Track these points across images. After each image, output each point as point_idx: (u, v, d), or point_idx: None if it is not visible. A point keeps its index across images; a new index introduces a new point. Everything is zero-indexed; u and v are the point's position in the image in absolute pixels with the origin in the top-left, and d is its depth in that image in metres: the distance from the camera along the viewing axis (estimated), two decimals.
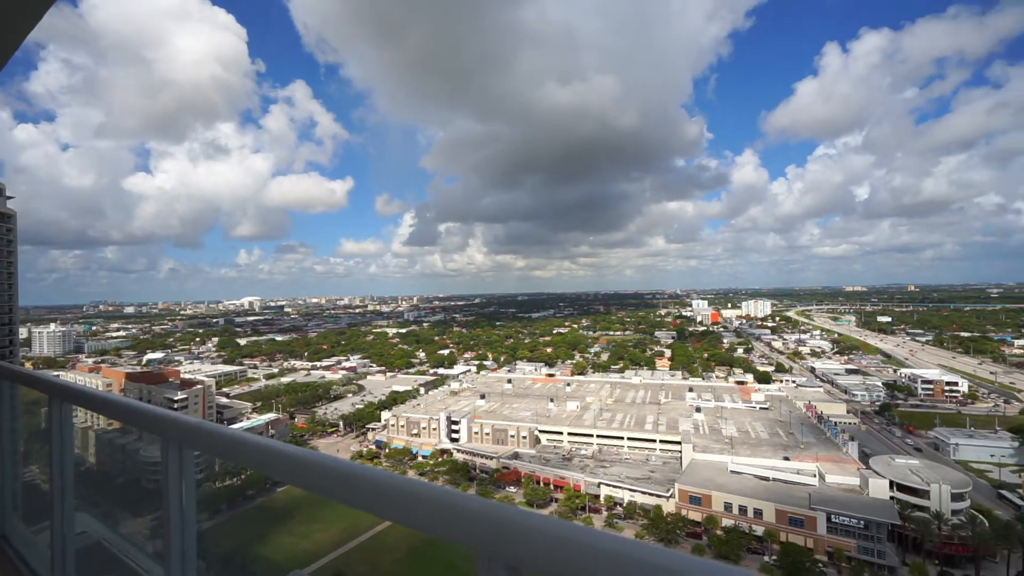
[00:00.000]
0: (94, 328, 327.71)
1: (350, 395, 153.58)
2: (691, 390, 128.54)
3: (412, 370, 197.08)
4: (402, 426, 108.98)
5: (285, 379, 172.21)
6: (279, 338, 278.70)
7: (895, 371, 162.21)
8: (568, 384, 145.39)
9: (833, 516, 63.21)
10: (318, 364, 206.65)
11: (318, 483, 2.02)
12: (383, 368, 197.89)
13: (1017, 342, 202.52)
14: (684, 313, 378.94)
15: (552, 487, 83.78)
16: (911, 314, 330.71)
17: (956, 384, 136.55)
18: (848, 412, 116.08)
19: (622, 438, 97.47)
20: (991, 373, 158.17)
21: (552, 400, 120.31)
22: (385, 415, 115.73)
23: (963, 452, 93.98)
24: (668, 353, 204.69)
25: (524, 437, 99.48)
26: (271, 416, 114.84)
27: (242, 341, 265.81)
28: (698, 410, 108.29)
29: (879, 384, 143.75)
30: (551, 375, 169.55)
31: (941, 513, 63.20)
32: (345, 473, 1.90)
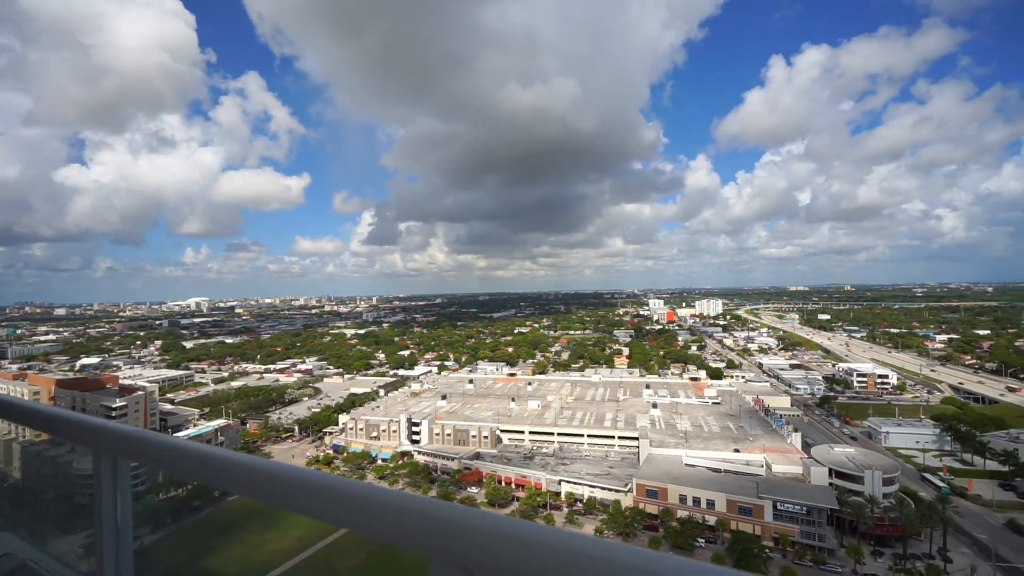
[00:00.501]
0: (19, 331, 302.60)
1: (306, 399, 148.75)
2: (648, 387, 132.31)
3: (371, 372, 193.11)
4: (361, 429, 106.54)
5: (236, 383, 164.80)
6: (229, 340, 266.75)
7: (834, 365, 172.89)
8: (529, 383, 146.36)
9: (779, 504, 66.68)
10: (272, 367, 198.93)
11: (268, 491, 1.93)
12: (341, 370, 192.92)
13: (939, 337, 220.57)
14: (642, 312, 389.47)
15: (513, 486, 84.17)
16: (848, 312, 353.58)
17: (887, 377, 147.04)
18: (792, 405, 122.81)
19: (582, 435, 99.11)
20: (916, 365, 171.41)
21: (514, 399, 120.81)
22: (343, 418, 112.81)
23: (893, 440, 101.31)
24: (626, 351, 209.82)
25: (486, 437, 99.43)
26: (220, 422, 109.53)
27: (188, 344, 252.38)
28: (654, 406, 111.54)
29: (820, 378, 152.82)
30: (513, 374, 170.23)
31: (874, 497, 67.90)
32: (296, 480, 1.82)
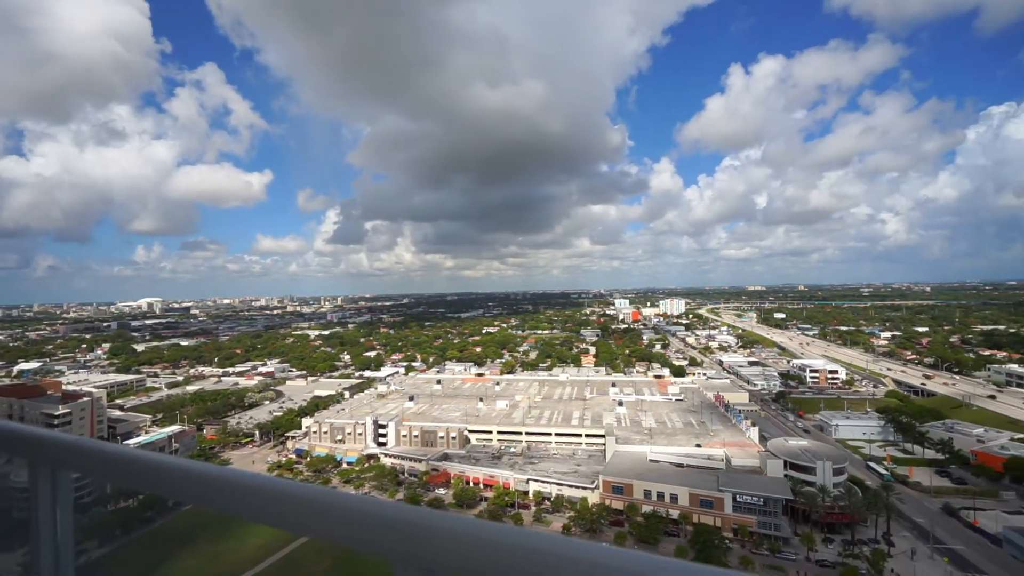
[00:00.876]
0: None
1: (267, 402, 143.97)
2: (614, 385, 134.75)
3: (336, 374, 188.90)
4: (325, 432, 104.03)
5: (191, 387, 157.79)
6: (184, 343, 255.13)
7: (788, 362, 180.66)
8: (497, 383, 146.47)
9: (738, 496, 69.25)
10: (231, 370, 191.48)
11: (224, 500, 1.85)
12: (304, 372, 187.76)
13: (883, 334, 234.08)
14: (608, 312, 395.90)
15: (482, 486, 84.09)
16: (801, 311, 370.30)
17: (837, 373, 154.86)
18: (750, 400, 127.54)
19: (550, 434, 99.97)
20: (862, 360, 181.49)
21: (482, 399, 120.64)
22: (306, 422, 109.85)
23: (842, 432, 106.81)
24: (593, 350, 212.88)
25: (454, 438, 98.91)
26: (174, 428, 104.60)
27: (139, 347, 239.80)
28: (620, 404, 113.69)
29: (776, 374, 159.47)
30: (481, 374, 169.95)
31: (825, 487, 71.43)
32: (254, 487, 1.76)
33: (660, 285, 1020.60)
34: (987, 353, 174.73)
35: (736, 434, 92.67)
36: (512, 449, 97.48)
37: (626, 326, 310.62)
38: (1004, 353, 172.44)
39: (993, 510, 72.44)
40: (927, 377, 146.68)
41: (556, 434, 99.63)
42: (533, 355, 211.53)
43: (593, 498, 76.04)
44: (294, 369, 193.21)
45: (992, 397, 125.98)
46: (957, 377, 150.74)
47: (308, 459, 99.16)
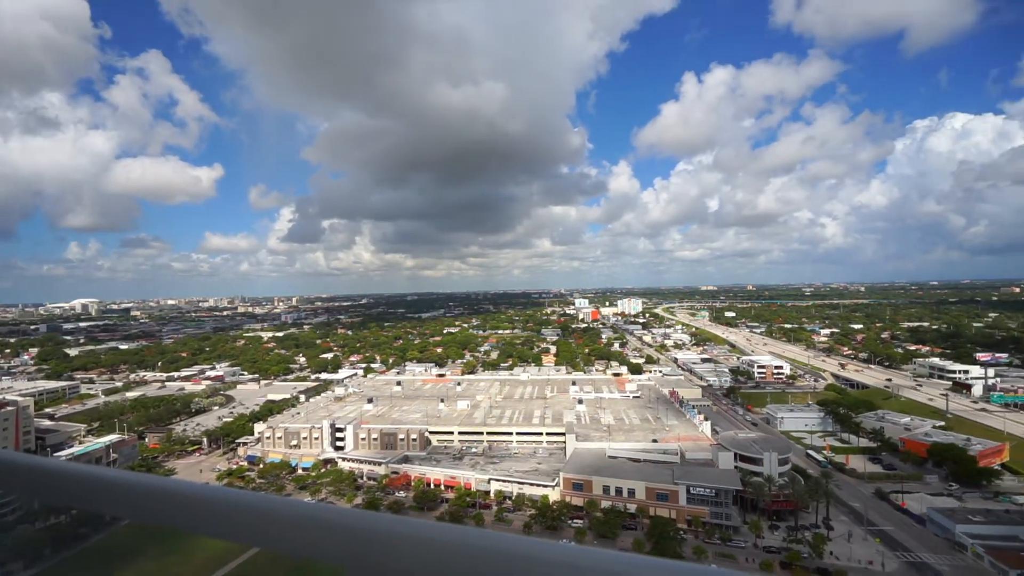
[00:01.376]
0: None
1: (216, 408, 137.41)
2: (574, 383, 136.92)
3: (291, 376, 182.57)
4: (279, 438, 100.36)
5: (132, 394, 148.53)
6: (124, 346, 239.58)
7: (738, 358, 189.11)
8: (459, 383, 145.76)
9: (691, 488, 71.96)
10: (176, 375, 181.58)
11: (166, 513, 1.73)
12: (257, 376, 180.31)
13: (823, 331, 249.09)
14: (568, 311, 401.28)
15: (443, 488, 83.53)
16: (749, 310, 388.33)
17: (781, 368, 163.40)
18: (703, 395, 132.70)
19: (511, 433, 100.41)
20: (804, 356, 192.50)
21: (443, 400, 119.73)
22: (259, 427, 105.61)
23: (786, 424, 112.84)
24: (554, 350, 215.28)
25: (414, 439, 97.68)
26: (112, 438, 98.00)
27: (73, 351, 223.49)
28: (580, 402, 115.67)
29: (726, 370, 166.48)
30: (442, 375, 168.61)
31: (771, 477, 75.29)
32: (198, 498, 1.67)
33: (618, 285, 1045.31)
34: (913, 348, 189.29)
35: (690, 428, 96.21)
36: (474, 449, 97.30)
37: (586, 325, 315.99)
38: (927, 348, 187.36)
39: (918, 492, 78.57)
40: (844, 366, 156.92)
41: (517, 433, 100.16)
42: (494, 355, 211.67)
43: (554, 495, 77.02)
44: (246, 372, 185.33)
45: (918, 387, 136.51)
46: (888, 370, 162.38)
47: (261, 466, 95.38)
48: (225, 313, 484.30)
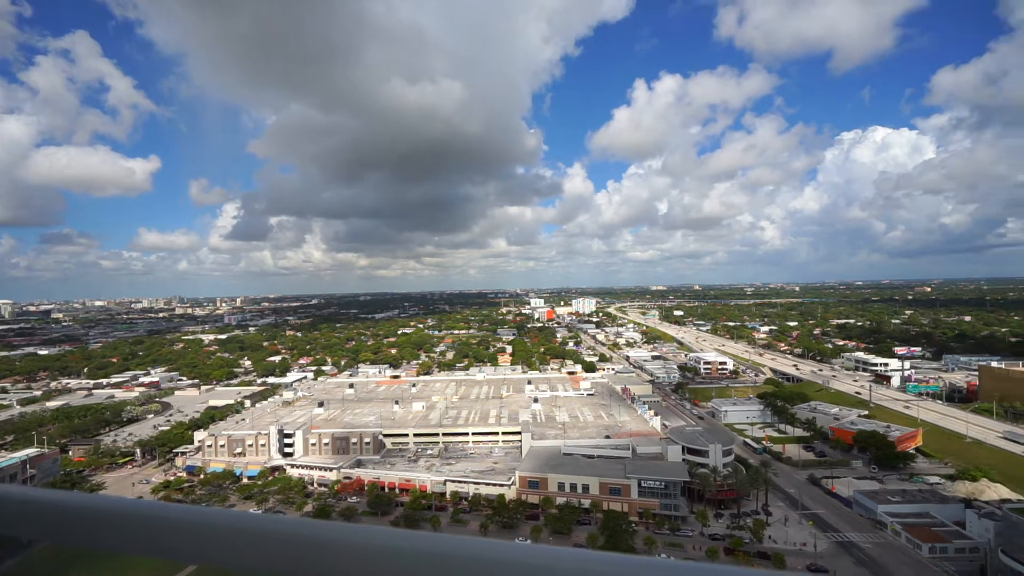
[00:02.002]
0: None
1: (151, 416, 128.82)
2: (530, 383, 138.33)
3: (235, 381, 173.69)
4: (222, 446, 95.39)
5: (53, 403, 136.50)
6: (44, 352, 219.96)
7: (686, 355, 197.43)
8: (414, 385, 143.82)
9: (642, 481, 74.59)
10: (104, 382, 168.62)
11: (91, 533, 1.57)
12: (197, 381, 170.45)
13: (762, 328, 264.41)
14: (524, 311, 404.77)
15: (397, 491, 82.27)
16: (696, 308, 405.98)
17: (725, 364, 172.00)
18: (653, 392, 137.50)
19: (467, 434, 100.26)
20: (746, 352, 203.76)
21: (397, 402, 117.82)
22: (199, 435, 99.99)
23: (730, 416, 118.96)
24: (510, 349, 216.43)
25: (367, 443, 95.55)
26: (30, 452, 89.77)
27: None
28: (536, 401, 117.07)
29: (675, 367, 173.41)
30: (396, 377, 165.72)
31: (716, 467, 79.26)
32: (128, 514, 1.53)
33: (573, 285, 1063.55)
34: (841, 343, 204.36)
35: (641, 424, 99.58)
36: (429, 451, 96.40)
37: (541, 325, 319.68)
38: (853, 343, 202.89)
39: (846, 477, 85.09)
40: (796, 367, 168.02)
41: (473, 433, 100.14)
42: (450, 355, 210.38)
43: (510, 494, 77.62)
44: (184, 378, 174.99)
45: (854, 381, 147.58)
46: (820, 364, 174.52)
47: (202, 476, 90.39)
48: (161, 315, 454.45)
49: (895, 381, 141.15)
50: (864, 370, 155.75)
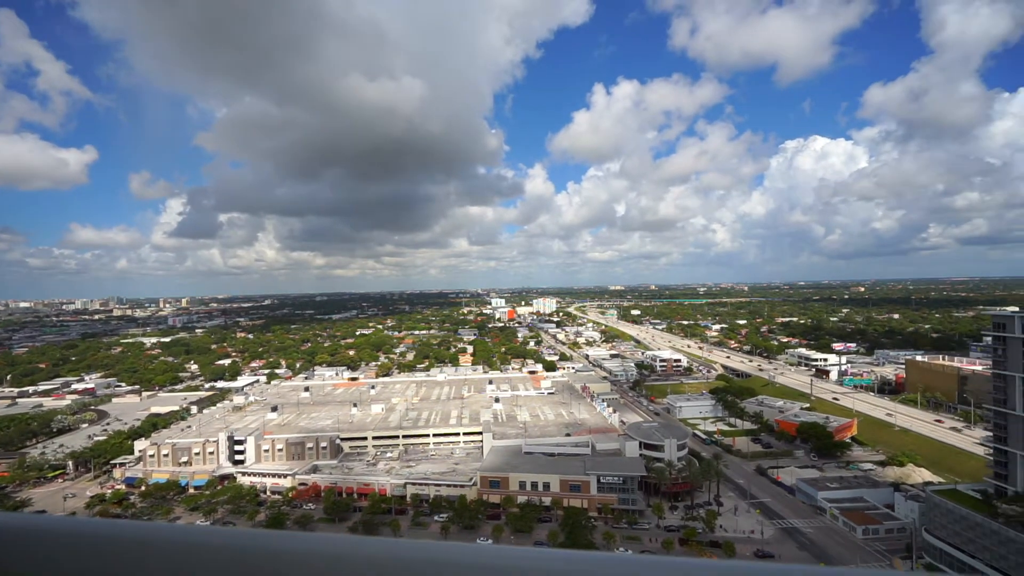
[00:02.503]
0: None
1: (85, 425, 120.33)
2: (491, 382, 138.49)
3: (180, 386, 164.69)
4: (166, 455, 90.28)
5: None
6: None
7: (643, 353, 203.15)
8: (373, 387, 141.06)
9: (601, 478, 76.33)
10: (31, 389, 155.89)
11: (9, 557, 1.42)
12: (137, 387, 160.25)
13: (714, 327, 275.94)
14: (485, 311, 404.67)
15: (356, 496, 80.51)
16: (652, 308, 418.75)
17: (680, 361, 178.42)
18: (612, 389, 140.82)
19: (428, 435, 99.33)
20: (699, 349, 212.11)
21: (355, 405, 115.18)
22: (140, 445, 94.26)
23: (684, 412, 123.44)
24: (471, 349, 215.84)
25: (324, 448, 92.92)
26: None
27: None
28: (497, 400, 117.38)
29: (632, 365, 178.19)
30: (355, 379, 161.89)
31: (671, 461, 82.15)
32: (55, 533, 1.40)
33: (534, 285, 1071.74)
34: (785, 340, 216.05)
35: (600, 421, 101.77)
36: (389, 454, 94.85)
37: (503, 325, 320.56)
38: (797, 340, 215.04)
39: (790, 467, 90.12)
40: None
41: (434, 435, 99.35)
42: (410, 356, 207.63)
43: (471, 494, 77.52)
44: (123, 384, 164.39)
45: (789, 374, 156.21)
46: (767, 360, 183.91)
47: (143, 488, 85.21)
48: (97, 317, 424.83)
49: (833, 375, 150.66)
50: (806, 365, 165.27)
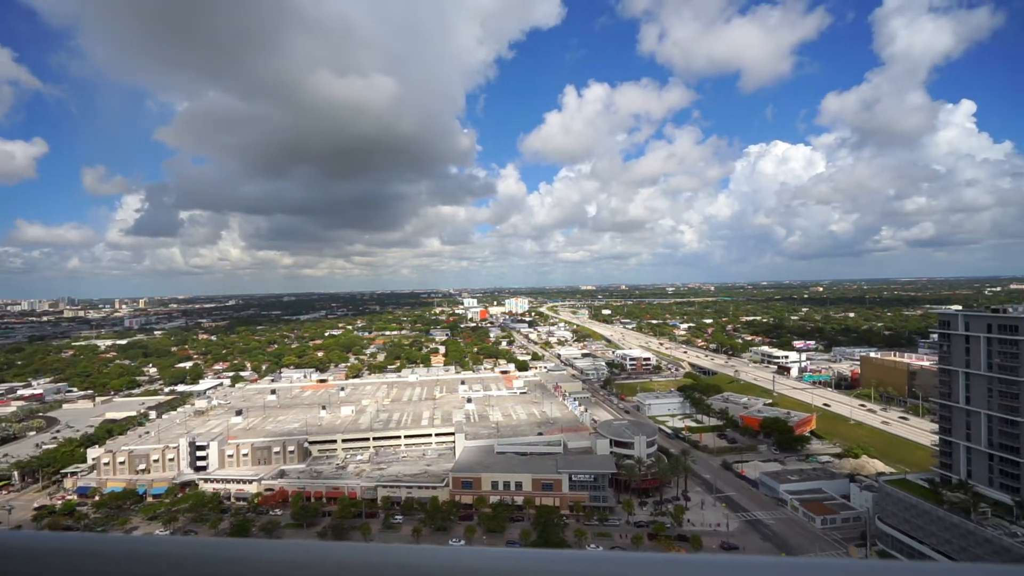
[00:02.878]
0: None
1: (33, 433, 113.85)
2: (463, 383, 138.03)
3: (138, 391, 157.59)
4: (121, 463, 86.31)
5: None
6: None
7: (613, 352, 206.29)
8: (342, 388, 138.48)
9: (573, 476, 77.20)
10: None
11: None
12: (91, 392, 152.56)
13: (682, 325, 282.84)
14: (457, 311, 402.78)
15: (324, 500, 78.91)
16: (623, 307, 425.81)
17: (649, 359, 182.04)
18: (583, 388, 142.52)
19: (399, 437, 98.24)
20: (667, 348, 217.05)
21: (324, 407, 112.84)
22: (94, 452, 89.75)
23: (653, 409, 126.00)
24: (443, 349, 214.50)
25: (291, 452, 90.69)
26: None
27: None
28: (469, 401, 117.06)
29: (603, 364, 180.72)
30: (323, 380, 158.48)
31: (640, 458, 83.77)
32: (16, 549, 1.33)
33: (507, 285, 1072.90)
34: (749, 338, 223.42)
35: (572, 420, 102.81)
36: (359, 457, 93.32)
37: (475, 325, 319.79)
38: (760, 338, 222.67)
39: (753, 461, 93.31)
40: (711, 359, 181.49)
41: (406, 436, 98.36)
42: (381, 357, 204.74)
43: (443, 496, 77.10)
44: (75, 389, 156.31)
45: (753, 371, 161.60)
46: (731, 358, 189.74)
47: (97, 498, 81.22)
48: (46, 319, 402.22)
49: (794, 372, 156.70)
50: (769, 362, 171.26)
